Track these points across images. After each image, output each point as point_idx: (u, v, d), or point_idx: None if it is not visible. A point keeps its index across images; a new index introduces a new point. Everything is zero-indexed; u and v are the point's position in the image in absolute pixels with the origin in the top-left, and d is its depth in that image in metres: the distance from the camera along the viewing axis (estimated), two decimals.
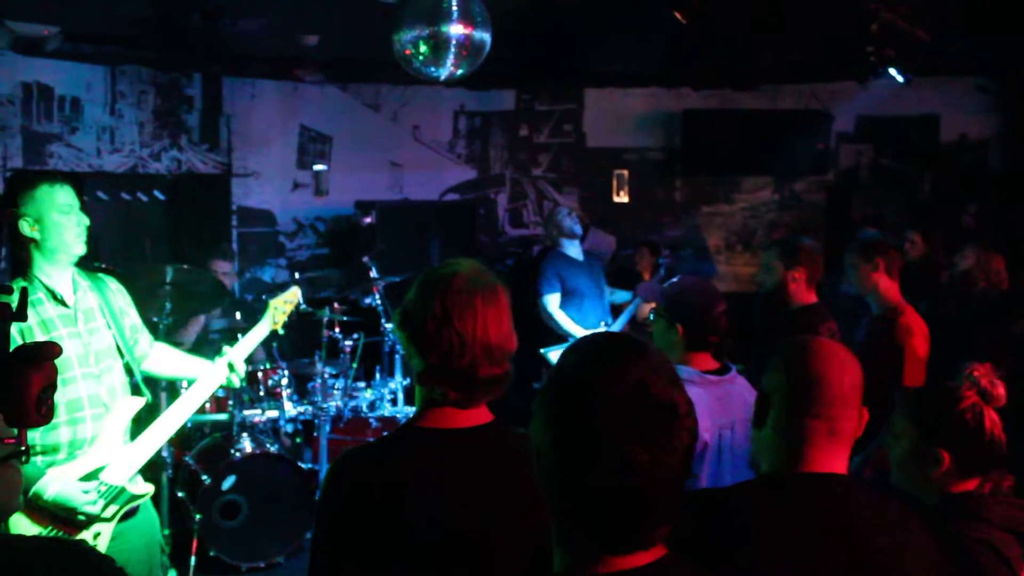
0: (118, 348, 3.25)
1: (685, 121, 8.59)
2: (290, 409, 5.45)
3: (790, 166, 8.64)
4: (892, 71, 6.06)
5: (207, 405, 5.23)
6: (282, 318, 3.73)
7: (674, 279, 3.32)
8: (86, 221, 3.11)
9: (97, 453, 3.08)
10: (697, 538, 1.75)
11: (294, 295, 3.80)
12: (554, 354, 6.43)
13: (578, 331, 6.37)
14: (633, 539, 1.32)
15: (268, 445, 5.27)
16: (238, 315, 5.82)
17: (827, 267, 4.35)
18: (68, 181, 3.12)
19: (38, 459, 2.98)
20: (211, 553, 4.91)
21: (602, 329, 6.44)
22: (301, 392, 5.73)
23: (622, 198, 8.84)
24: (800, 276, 4.17)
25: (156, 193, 7.65)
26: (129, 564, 3.19)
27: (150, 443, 3.23)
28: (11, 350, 1.45)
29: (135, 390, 3.32)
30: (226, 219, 8.00)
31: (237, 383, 3.54)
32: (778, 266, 4.21)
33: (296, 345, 6.50)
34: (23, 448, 1.45)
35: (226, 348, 3.54)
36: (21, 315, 1.46)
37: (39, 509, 2.93)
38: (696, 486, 2.90)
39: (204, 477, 4.95)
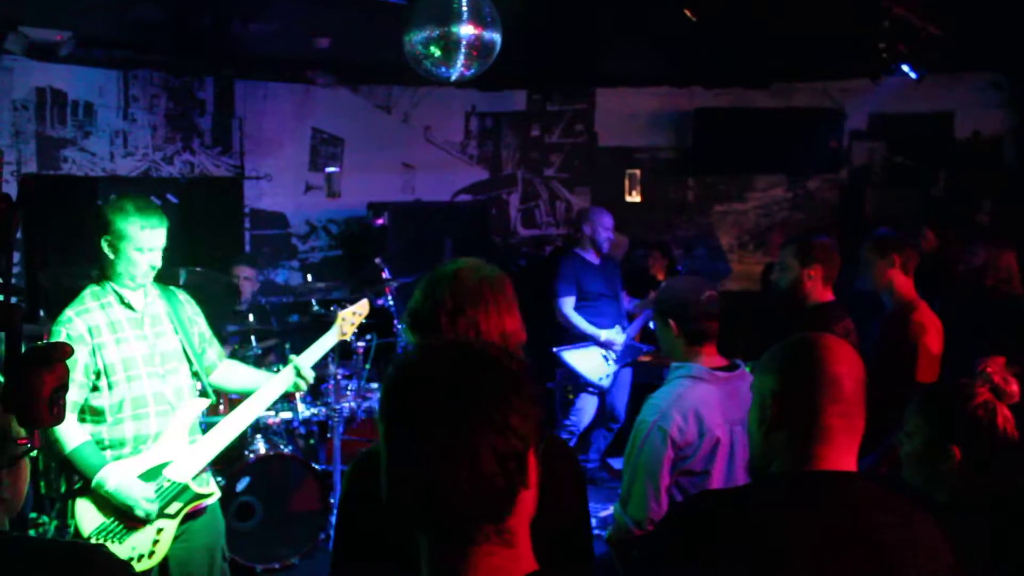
0: (185, 353, 3.41)
1: (697, 120, 8.56)
2: (303, 411, 5.46)
3: (803, 164, 8.60)
4: (904, 68, 6.03)
5: (220, 407, 5.25)
6: (351, 329, 3.91)
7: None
8: (158, 264, 3.27)
9: (161, 449, 3.23)
10: (708, 538, 1.75)
11: (363, 307, 3.96)
12: (568, 354, 6.42)
13: (594, 331, 6.37)
14: (454, 533, 1.27)
15: (282, 447, 5.28)
16: (251, 317, 5.83)
17: (841, 265, 4.33)
18: (160, 224, 3.25)
19: (107, 453, 3.16)
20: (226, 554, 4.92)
21: (618, 332, 6.44)
22: (314, 394, 5.73)
23: (634, 198, 8.82)
24: (816, 274, 4.15)
25: (169, 196, 7.68)
26: (190, 565, 3.37)
27: (215, 443, 3.39)
28: (24, 351, 1.47)
29: (202, 393, 3.49)
30: (239, 222, 8.02)
31: (305, 388, 3.70)
32: (794, 264, 4.19)
33: (308, 346, 6.51)
34: (35, 447, 1.46)
35: (293, 356, 3.69)
36: (33, 317, 1.47)
37: (102, 497, 3.10)
38: (708, 483, 2.90)
39: (218, 479, 4.95)
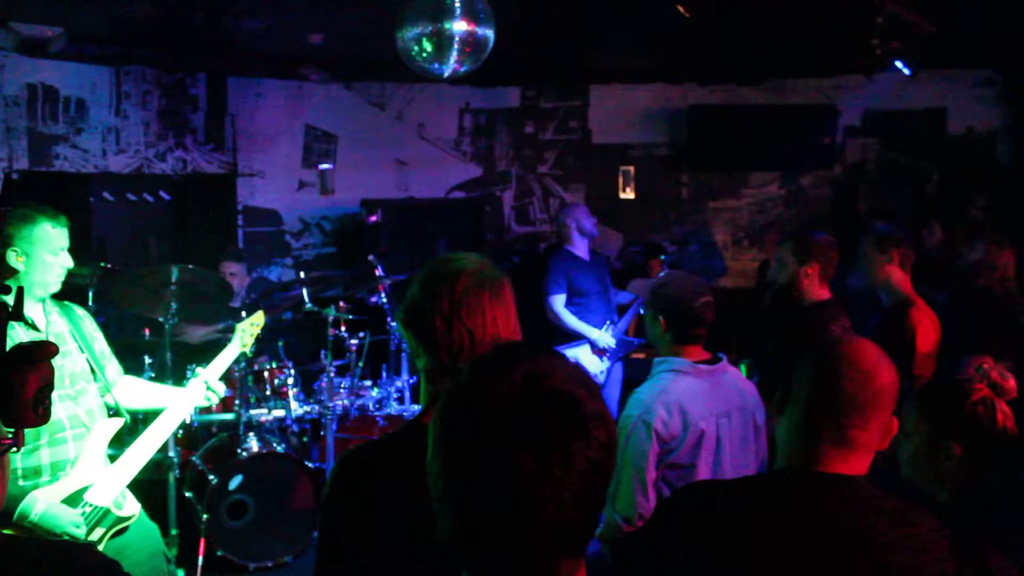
0: (92, 371, 3.29)
1: (691, 117, 8.57)
2: (296, 408, 5.43)
3: (796, 161, 8.61)
4: (898, 64, 6.03)
5: (213, 406, 5.23)
6: (250, 340, 3.93)
7: (662, 273, 3.35)
8: (70, 264, 3.16)
9: (79, 474, 3.08)
10: (701, 528, 1.74)
11: (259, 318, 4.01)
12: (565, 351, 6.39)
13: (585, 329, 6.35)
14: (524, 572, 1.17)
15: (275, 444, 5.26)
16: (244, 314, 5.80)
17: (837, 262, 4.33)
18: (66, 223, 3.16)
19: (20, 482, 2.97)
20: (218, 553, 4.90)
21: (607, 328, 6.42)
22: (307, 391, 5.72)
23: (628, 195, 8.81)
24: (813, 271, 4.14)
25: (162, 193, 7.64)
26: None
27: (132, 464, 3.25)
28: (7, 350, 1.44)
29: (113, 412, 3.34)
30: (232, 219, 7.99)
31: (215, 401, 3.62)
32: (791, 261, 4.18)
33: (302, 344, 6.49)
34: (19, 446, 1.44)
35: (199, 369, 3.61)
36: (18, 314, 1.45)
37: (25, 530, 2.91)
38: (694, 476, 2.91)
39: (211, 477, 4.94)
